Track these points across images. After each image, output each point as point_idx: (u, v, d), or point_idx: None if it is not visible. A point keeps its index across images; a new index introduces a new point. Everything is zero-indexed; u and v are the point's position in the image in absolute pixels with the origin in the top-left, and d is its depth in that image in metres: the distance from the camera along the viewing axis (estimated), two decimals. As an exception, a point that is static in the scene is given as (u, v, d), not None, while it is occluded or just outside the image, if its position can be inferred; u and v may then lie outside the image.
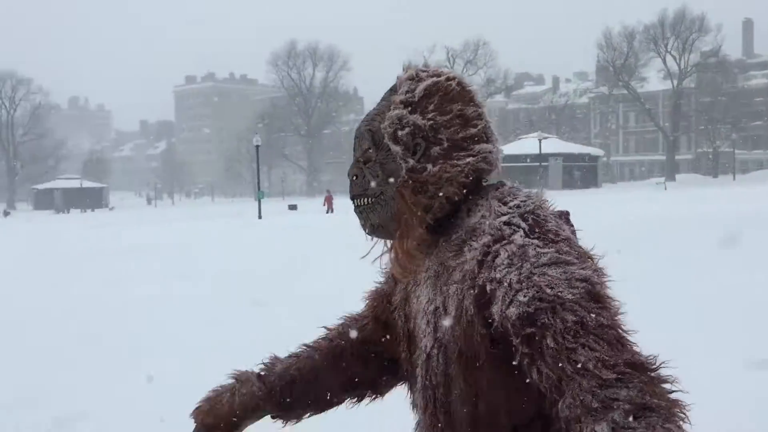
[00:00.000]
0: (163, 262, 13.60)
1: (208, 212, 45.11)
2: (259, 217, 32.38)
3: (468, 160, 1.21)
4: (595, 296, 1.06)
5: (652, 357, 1.04)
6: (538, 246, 1.09)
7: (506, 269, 1.08)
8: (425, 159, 1.21)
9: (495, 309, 1.08)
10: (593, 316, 1.03)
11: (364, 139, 1.28)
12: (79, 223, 35.71)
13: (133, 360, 5.94)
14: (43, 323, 7.99)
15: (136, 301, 9.13)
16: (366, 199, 1.27)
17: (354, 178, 1.29)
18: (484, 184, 1.25)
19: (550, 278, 1.05)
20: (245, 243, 17.88)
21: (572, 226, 1.25)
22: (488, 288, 1.10)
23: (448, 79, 1.26)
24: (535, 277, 1.05)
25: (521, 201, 1.17)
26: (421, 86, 1.25)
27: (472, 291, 1.12)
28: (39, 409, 4.64)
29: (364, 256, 1.29)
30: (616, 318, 1.07)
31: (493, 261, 1.10)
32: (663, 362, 1.04)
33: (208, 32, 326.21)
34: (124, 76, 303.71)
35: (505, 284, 1.07)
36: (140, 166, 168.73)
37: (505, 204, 1.17)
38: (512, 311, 1.05)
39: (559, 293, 1.04)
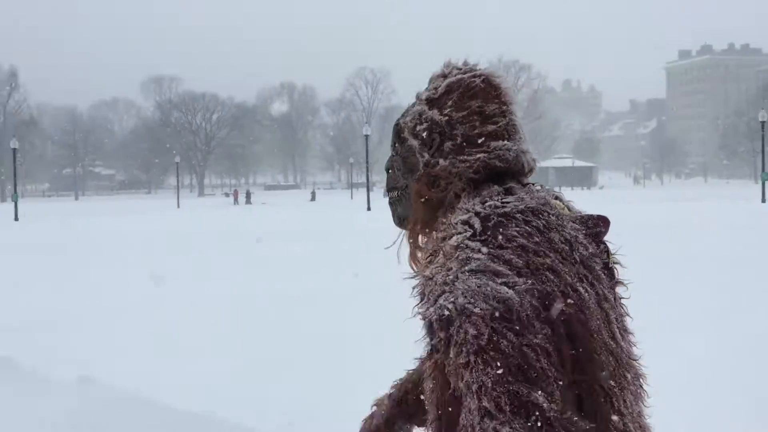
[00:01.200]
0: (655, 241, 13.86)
1: (700, 193, 43.15)
2: (763, 200, 29.80)
3: (479, 156, 1.19)
4: (508, 318, 0.98)
5: (555, 405, 0.95)
6: (473, 249, 1.04)
7: (438, 268, 1.06)
8: (439, 154, 1.21)
9: (422, 307, 1.07)
10: (494, 338, 0.97)
11: (393, 134, 1.30)
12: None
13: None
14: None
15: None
16: (395, 192, 1.29)
17: (389, 171, 1.31)
18: (507, 185, 1.17)
19: (468, 286, 1.00)
20: (743, 226, 16.89)
21: (598, 231, 1.19)
22: (422, 285, 1.09)
23: (474, 75, 1.24)
24: (458, 282, 1.01)
25: (501, 201, 1.11)
26: (445, 83, 1.26)
27: (418, 288, 1.11)
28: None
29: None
30: (530, 347, 0.98)
31: (434, 258, 1.09)
32: (569, 416, 0.95)
33: (702, 5, 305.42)
34: (614, 56, 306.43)
35: (432, 283, 1.05)
36: (629, 145, 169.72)
37: (482, 203, 1.12)
38: (431, 311, 1.03)
39: (468, 304, 0.99)
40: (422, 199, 1.21)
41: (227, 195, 62.16)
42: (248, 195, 59.93)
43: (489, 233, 1.06)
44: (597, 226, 1.19)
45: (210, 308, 7.13)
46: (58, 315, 6.66)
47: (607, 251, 1.20)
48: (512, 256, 1.03)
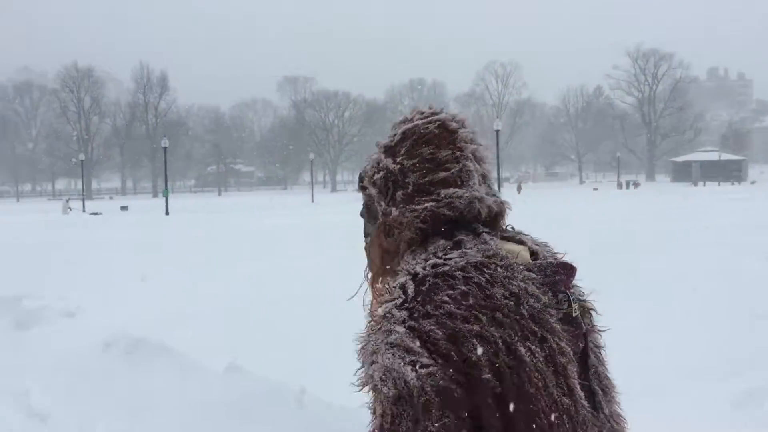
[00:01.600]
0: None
1: None
2: None
3: (427, 204, 1.16)
4: (409, 403, 0.99)
5: None
6: (396, 321, 1.03)
7: (369, 336, 1.07)
8: (392, 202, 1.19)
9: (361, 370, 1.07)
10: (396, 421, 0.99)
11: (358, 181, 1.30)
12: (710, 196, 35.70)
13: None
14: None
15: None
16: (367, 239, 1.27)
17: (363, 217, 1.29)
18: (457, 238, 1.14)
19: (383, 363, 1.01)
20: None
21: (556, 279, 1.13)
22: (361, 346, 1.08)
23: (429, 122, 1.23)
24: (378, 356, 1.02)
25: (444, 258, 1.09)
26: (401, 129, 1.25)
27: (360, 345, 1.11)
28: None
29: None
30: None
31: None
32: None
33: None
34: (766, 40, 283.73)
35: (364, 351, 1.06)
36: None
37: (424, 261, 1.10)
38: (363, 379, 1.06)
39: (380, 382, 1.01)
40: (380, 249, 1.22)
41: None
42: None
43: (419, 300, 1.05)
44: (556, 273, 1.13)
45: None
46: (209, 305, 6.98)
47: (568, 300, 1.14)
48: (433, 327, 1.02)
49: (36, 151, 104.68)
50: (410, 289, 1.06)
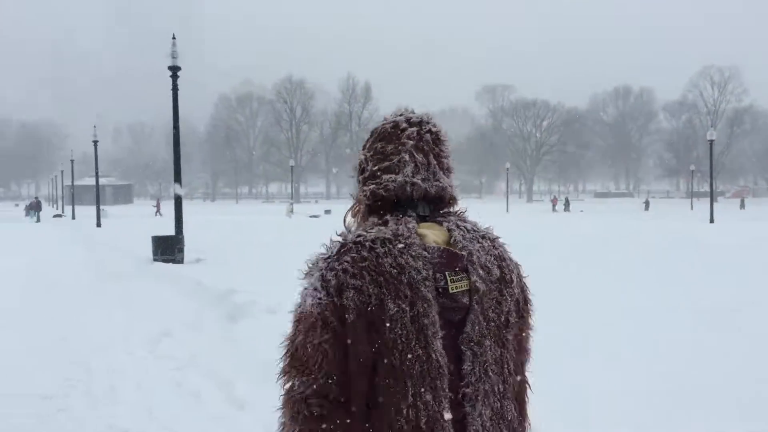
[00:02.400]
0: None
1: None
2: None
3: (371, 186, 1.55)
4: (303, 322, 1.41)
5: (307, 390, 1.38)
6: (318, 268, 1.44)
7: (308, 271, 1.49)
8: (361, 183, 1.60)
9: None
10: (293, 333, 1.42)
11: None
12: None
13: None
14: None
15: None
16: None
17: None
18: (385, 217, 1.52)
19: (300, 293, 1.45)
20: None
21: (439, 261, 1.44)
22: None
23: (387, 123, 1.61)
24: (300, 288, 1.46)
25: (366, 231, 1.47)
26: (372, 128, 1.66)
27: None
28: None
29: None
30: (309, 346, 1.37)
31: None
32: (320, 401, 1.38)
33: None
34: None
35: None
36: None
37: (355, 232, 1.48)
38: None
39: (295, 305, 1.46)
40: (351, 215, 1.62)
41: (557, 199, 61.61)
42: (567, 202, 58.99)
43: (335, 257, 1.43)
44: (440, 257, 1.44)
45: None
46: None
47: (445, 278, 1.42)
48: (331, 278, 1.40)
49: (253, 157, 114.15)
50: (335, 249, 1.45)
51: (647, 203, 59.34)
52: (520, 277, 1.60)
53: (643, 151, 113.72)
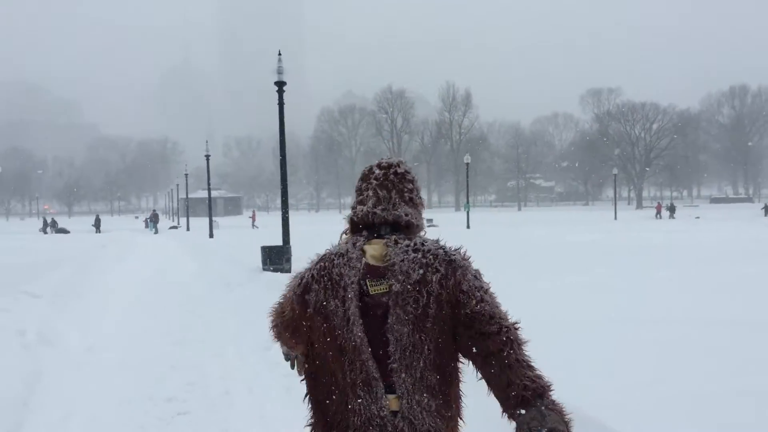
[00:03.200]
0: None
1: None
2: None
3: (349, 214, 2.20)
4: (282, 302, 2.26)
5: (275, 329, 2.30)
6: (305, 269, 2.17)
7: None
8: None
9: None
10: (280, 304, 2.28)
11: None
12: None
13: None
14: None
15: None
16: None
17: None
18: (354, 236, 2.18)
19: (289, 282, 2.22)
20: None
21: (364, 273, 2.06)
22: None
23: (366, 167, 2.24)
24: (290, 281, 2.22)
25: (335, 247, 2.16)
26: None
27: None
28: None
29: None
30: (285, 305, 2.23)
31: None
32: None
33: None
34: None
35: None
36: None
37: (337, 244, 2.20)
38: None
39: (285, 289, 2.26)
40: (346, 234, 2.27)
41: (664, 207, 58.73)
42: (672, 208, 56.12)
43: (313, 264, 2.14)
44: (365, 269, 2.06)
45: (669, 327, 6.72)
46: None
47: (366, 284, 2.03)
48: (305, 276, 2.13)
49: (355, 168, 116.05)
50: (316, 259, 2.16)
51: (766, 208, 55.72)
52: (451, 276, 2.00)
53: (762, 153, 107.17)
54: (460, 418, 2.10)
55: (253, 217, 58.47)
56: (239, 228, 49.38)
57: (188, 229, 50.98)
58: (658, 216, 55.60)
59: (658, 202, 63.33)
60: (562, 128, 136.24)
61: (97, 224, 52.98)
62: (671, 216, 54.40)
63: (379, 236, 2.11)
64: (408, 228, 2.13)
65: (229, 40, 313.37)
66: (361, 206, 2.15)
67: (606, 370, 4.93)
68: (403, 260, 2.02)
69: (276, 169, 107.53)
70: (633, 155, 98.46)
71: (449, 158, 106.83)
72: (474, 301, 1.98)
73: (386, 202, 2.13)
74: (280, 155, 16.77)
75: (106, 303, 11.32)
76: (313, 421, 2.14)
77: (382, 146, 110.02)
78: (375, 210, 2.12)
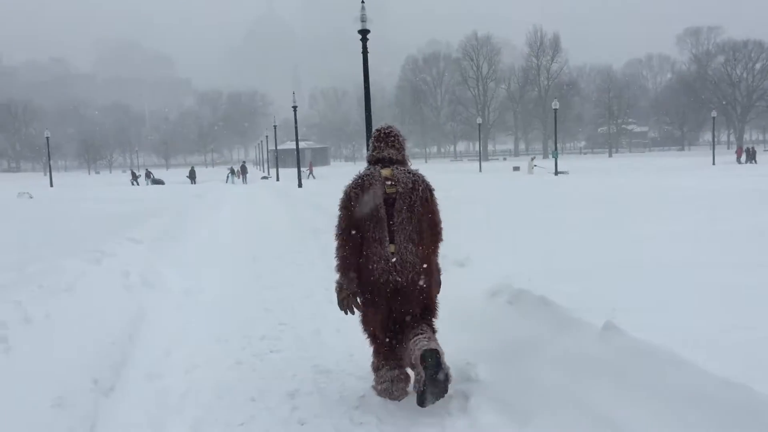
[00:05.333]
0: None
1: None
2: None
3: (367, 156, 4.52)
4: (341, 205, 4.32)
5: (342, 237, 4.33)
6: (347, 186, 4.34)
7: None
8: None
9: None
10: (339, 208, 4.35)
11: None
12: None
13: None
14: None
15: None
16: None
17: None
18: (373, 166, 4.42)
19: (342, 196, 4.36)
20: None
21: (383, 187, 4.25)
22: None
23: (374, 130, 4.54)
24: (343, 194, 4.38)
25: (364, 172, 4.34)
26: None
27: None
28: None
29: None
30: (342, 218, 4.29)
31: None
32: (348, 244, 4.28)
33: None
34: None
35: None
36: None
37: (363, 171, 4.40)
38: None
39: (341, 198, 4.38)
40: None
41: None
42: (752, 153, 52.36)
43: (352, 182, 4.31)
44: (383, 179, 4.26)
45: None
46: (591, 262, 6.97)
47: (384, 191, 4.21)
48: (348, 190, 4.30)
49: (441, 116, 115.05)
50: (354, 179, 4.32)
51: None
52: (426, 190, 4.28)
53: None
54: (435, 262, 4.46)
55: (310, 168, 58.93)
56: (327, 178, 50.21)
57: (278, 179, 52.25)
58: (740, 161, 52.41)
59: (739, 146, 59.46)
60: (656, 71, 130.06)
61: (192, 176, 55.08)
62: (750, 161, 50.90)
63: (386, 166, 4.33)
64: (398, 162, 4.38)
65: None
66: (372, 152, 4.46)
67: (698, 312, 4.83)
68: (403, 176, 4.27)
69: (361, 120, 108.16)
70: (734, 97, 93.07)
71: (537, 105, 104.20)
72: (430, 211, 4.32)
73: (381, 149, 4.41)
74: (365, 105, 16.85)
75: (202, 249, 11.86)
76: (346, 257, 4.27)
77: (467, 94, 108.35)
78: (374, 153, 4.44)
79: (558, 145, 52.36)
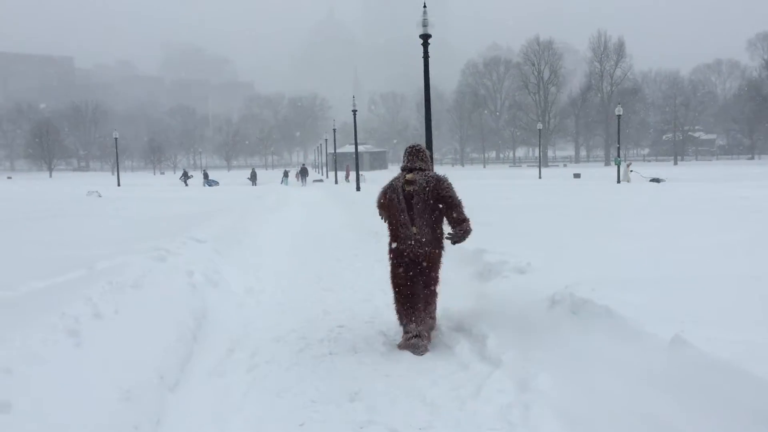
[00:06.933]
0: None
1: None
2: None
3: (401, 166, 6.22)
4: (381, 193, 6.29)
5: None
6: (384, 186, 6.27)
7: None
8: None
9: None
10: (380, 194, 6.33)
11: None
12: None
13: None
14: None
15: None
16: None
17: None
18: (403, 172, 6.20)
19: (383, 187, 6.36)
20: None
21: (402, 185, 6.07)
22: None
23: (409, 145, 6.36)
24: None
25: (397, 176, 6.20)
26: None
27: None
28: None
29: None
30: (383, 199, 6.23)
31: None
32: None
33: None
34: None
35: None
36: None
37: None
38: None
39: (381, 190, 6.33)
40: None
41: None
42: None
43: (387, 185, 6.20)
44: (404, 182, 6.04)
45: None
46: (660, 272, 6.78)
47: (403, 190, 5.99)
48: (385, 189, 6.17)
49: (500, 122, 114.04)
50: (387, 183, 6.22)
51: None
52: (436, 185, 5.90)
53: None
54: (442, 241, 6.05)
55: (347, 173, 58.72)
56: (375, 182, 50.36)
57: (336, 182, 52.63)
58: None
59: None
60: (726, 76, 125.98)
61: (253, 177, 56.02)
62: None
63: (410, 171, 6.02)
64: (420, 170, 6.02)
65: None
66: (402, 163, 6.12)
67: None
68: (420, 178, 5.92)
69: (420, 124, 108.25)
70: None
71: (599, 110, 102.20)
72: (446, 196, 5.87)
73: (411, 162, 6.07)
74: (425, 109, 16.83)
75: (262, 249, 12.05)
76: (390, 235, 6.08)
77: (528, 99, 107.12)
78: (405, 164, 6.09)
79: (621, 152, 51.10)
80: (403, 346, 5.85)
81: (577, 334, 5.05)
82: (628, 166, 43.08)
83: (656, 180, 38.03)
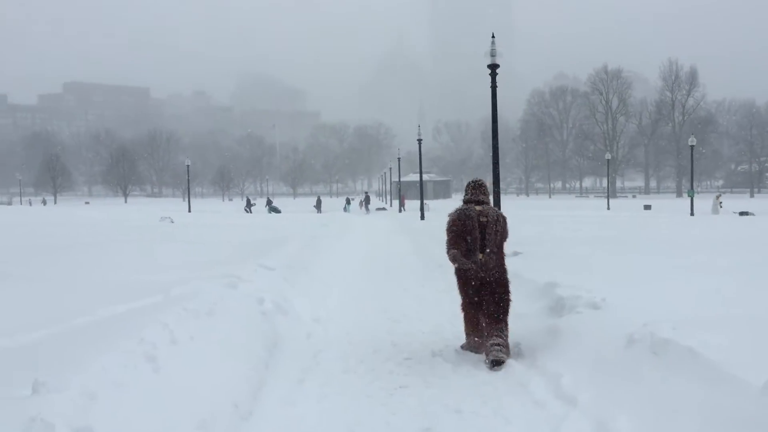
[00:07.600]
0: None
1: None
2: None
3: (464, 198, 7.08)
4: (449, 227, 6.84)
5: (455, 250, 6.75)
6: (450, 216, 6.93)
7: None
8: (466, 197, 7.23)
9: None
10: (448, 228, 6.87)
11: None
12: None
13: None
14: None
15: None
16: None
17: None
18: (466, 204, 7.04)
19: (449, 217, 6.96)
20: None
21: (477, 216, 6.83)
22: None
23: (470, 181, 7.33)
24: (449, 218, 7.00)
25: (460, 207, 6.92)
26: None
27: None
28: None
29: None
30: (451, 233, 6.81)
31: None
32: (457, 253, 6.70)
33: None
34: None
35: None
36: None
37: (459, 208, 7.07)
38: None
39: (449, 219, 6.95)
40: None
41: None
42: None
43: (456, 213, 6.85)
44: (477, 213, 6.77)
45: None
46: (747, 311, 6.47)
47: (478, 220, 6.73)
48: (454, 219, 6.82)
49: (567, 151, 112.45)
50: (456, 210, 6.94)
51: None
52: (503, 220, 6.91)
53: None
54: (504, 263, 6.96)
55: (402, 201, 58.30)
56: (438, 211, 50.19)
57: (400, 210, 52.75)
58: None
59: None
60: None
61: (319, 205, 56.79)
62: None
63: (477, 204, 6.87)
64: (485, 202, 6.91)
65: (438, 24, 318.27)
66: (467, 195, 6.98)
67: None
68: (491, 212, 6.84)
69: (485, 153, 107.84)
70: None
71: (670, 141, 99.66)
72: (506, 230, 6.97)
73: (475, 195, 6.92)
74: (492, 138, 16.73)
75: (329, 277, 12.12)
76: (458, 250, 6.69)
77: (595, 129, 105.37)
78: (470, 197, 6.93)
79: (694, 183, 49.56)
80: (486, 352, 6.52)
81: (658, 376, 4.85)
82: (717, 197, 41.25)
83: (745, 213, 36.57)
